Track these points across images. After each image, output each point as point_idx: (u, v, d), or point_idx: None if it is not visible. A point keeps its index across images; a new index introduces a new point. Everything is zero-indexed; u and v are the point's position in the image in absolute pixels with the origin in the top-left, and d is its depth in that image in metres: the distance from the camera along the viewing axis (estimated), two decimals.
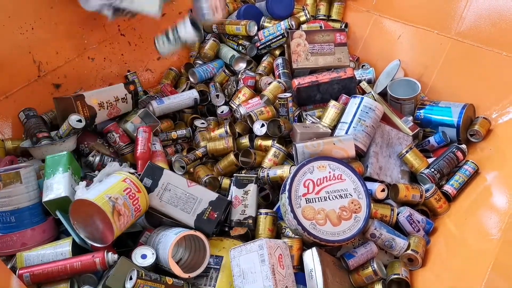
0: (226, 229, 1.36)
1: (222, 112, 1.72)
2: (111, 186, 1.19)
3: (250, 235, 1.36)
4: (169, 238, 1.20)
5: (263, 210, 1.35)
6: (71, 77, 1.75)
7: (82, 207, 1.14)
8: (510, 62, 1.47)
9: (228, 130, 1.60)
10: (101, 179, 1.29)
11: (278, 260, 1.15)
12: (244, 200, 1.36)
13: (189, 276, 1.18)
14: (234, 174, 1.43)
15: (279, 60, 1.78)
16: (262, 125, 1.56)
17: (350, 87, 1.63)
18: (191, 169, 1.58)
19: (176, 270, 1.17)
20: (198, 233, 1.23)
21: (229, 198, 1.38)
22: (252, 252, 1.15)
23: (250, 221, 1.33)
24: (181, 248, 1.30)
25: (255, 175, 1.40)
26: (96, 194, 1.14)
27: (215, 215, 1.28)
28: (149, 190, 1.28)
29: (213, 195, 1.32)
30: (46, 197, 1.27)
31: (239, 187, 1.38)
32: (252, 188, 1.37)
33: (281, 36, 1.83)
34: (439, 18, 1.72)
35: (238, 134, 1.64)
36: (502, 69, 1.51)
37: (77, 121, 1.48)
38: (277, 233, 1.36)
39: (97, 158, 1.48)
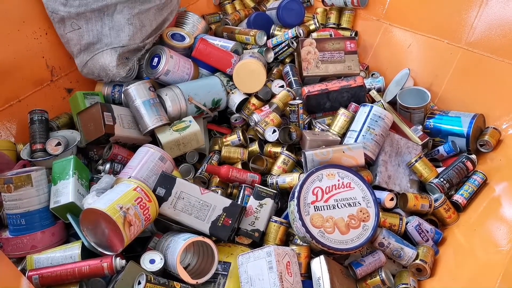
0: (232, 237, 1.36)
1: (236, 120, 1.72)
2: (123, 195, 1.18)
3: (256, 241, 1.35)
4: (177, 244, 1.21)
5: (278, 219, 1.34)
6: (83, 81, 1.77)
7: (92, 215, 1.14)
8: None
9: (241, 137, 1.60)
10: (103, 187, 1.31)
11: (286, 267, 1.15)
12: (257, 212, 1.36)
13: (196, 282, 1.19)
14: (256, 184, 1.42)
15: (287, 68, 1.79)
16: (274, 131, 1.57)
17: (360, 96, 1.63)
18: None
19: (184, 276, 1.17)
20: (207, 239, 1.24)
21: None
22: (260, 259, 1.16)
23: (257, 234, 1.33)
24: (189, 253, 1.31)
25: (275, 192, 1.39)
26: (107, 203, 1.14)
27: (230, 221, 1.28)
28: (163, 199, 1.29)
29: (227, 202, 1.32)
30: (53, 204, 1.29)
31: (256, 198, 1.38)
32: (268, 203, 1.37)
33: (287, 47, 1.84)
34: (449, 27, 1.72)
35: (250, 140, 1.65)
36: None
37: (55, 145, 1.48)
38: (285, 240, 1.36)
39: (107, 166, 1.49)
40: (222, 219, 1.29)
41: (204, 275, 1.21)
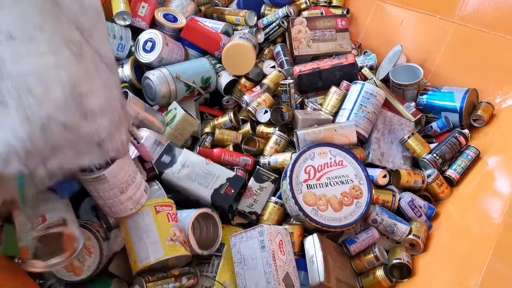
0: (230, 221, 1.36)
1: (227, 102, 1.71)
2: (159, 228, 1.12)
3: (253, 223, 1.35)
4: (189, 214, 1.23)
5: (277, 200, 1.34)
6: None
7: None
8: None
9: (233, 119, 1.59)
10: None
11: (278, 246, 1.15)
12: (256, 195, 1.36)
13: (202, 253, 1.20)
14: (257, 167, 1.43)
15: (278, 48, 1.77)
16: (266, 112, 1.56)
17: (352, 74, 1.62)
18: None
19: (194, 244, 1.18)
20: (211, 211, 1.26)
21: None
22: (252, 238, 1.16)
23: (254, 217, 1.33)
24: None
25: (277, 176, 1.39)
26: (159, 248, 1.10)
27: (232, 191, 1.30)
28: (168, 166, 1.31)
29: (231, 173, 1.34)
30: None
31: (257, 180, 1.38)
32: (268, 186, 1.37)
33: (277, 27, 1.81)
34: (441, 2, 1.70)
35: (242, 121, 1.64)
36: (506, 53, 1.49)
37: None
38: (281, 222, 1.36)
39: None
40: (225, 188, 1.30)
41: (209, 248, 1.23)
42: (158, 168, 1.32)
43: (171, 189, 1.34)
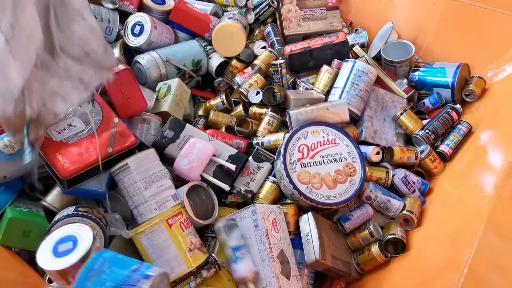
0: (223, 199, 1.36)
1: (219, 84, 1.70)
2: (176, 242, 1.11)
3: (248, 202, 1.34)
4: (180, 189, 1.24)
5: (275, 179, 1.33)
6: None
7: None
8: (505, 19, 1.44)
9: (225, 101, 1.58)
10: None
11: (272, 224, 1.16)
12: (254, 174, 1.35)
13: (197, 221, 1.20)
14: (257, 146, 1.42)
15: (269, 28, 1.75)
16: (258, 93, 1.55)
17: (343, 52, 1.60)
18: None
19: (191, 212, 1.20)
20: (202, 183, 1.27)
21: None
22: (245, 218, 1.16)
23: (249, 195, 1.32)
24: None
25: (275, 157, 1.38)
26: (180, 261, 1.10)
27: (234, 169, 1.30)
28: (171, 140, 1.31)
29: (233, 150, 1.35)
30: None
31: (255, 160, 1.37)
32: (266, 166, 1.36)
33: (267, 7, 1.79)
34: None
35: (234, 103, 1.63)
36: (497, 27, 1.48)
37: None
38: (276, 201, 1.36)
39: None
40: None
41: (207, 218, 1.24)
42: (161, 142, 1.32)
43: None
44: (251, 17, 1.82)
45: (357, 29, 1.89)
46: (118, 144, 1.17)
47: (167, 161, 1.30)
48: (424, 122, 1.46)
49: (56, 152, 1.11)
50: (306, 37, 1.74)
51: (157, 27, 1.58)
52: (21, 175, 1.20)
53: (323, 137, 1.31)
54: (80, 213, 1.10)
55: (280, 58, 1.67)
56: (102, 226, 1.11)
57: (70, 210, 1.12)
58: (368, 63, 1.57)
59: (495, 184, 1.11)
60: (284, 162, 1.24)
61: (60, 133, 1.14)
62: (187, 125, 1.35)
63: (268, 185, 1.33)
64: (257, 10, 1.82)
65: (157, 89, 1.50)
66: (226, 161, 1.31)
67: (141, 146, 1.31)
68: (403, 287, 1.17)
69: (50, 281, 1.09)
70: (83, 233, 0.95)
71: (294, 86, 1.62)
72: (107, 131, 1.18)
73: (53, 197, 1.21)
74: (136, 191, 1.13)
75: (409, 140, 1.48)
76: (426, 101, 1.54)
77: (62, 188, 1.15)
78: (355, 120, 1.47)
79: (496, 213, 1.04)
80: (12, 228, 1.09)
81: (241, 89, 1.58)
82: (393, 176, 1.33)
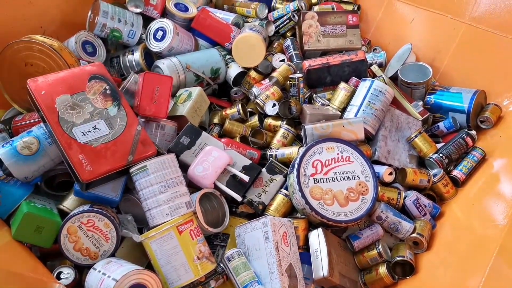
0: (234, 209, 1.36)
1: (236, 94, 1.71)
2: (184, 249, 1.13)
3: (258, 213, 1.35)
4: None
5: (287, 193, 1.33)
6: None
7: None
8: None
9: (241, 111, 1.59)
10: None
11: (282, 237, 1.16)
12: (266, 186, 1.36)
13: (207, 228, 1.21)
14: (271, 158, 1.43)
15: (288, 42, 1.77)
16: (274, 105, 1.56)
17: (361, 70, 1.62)
18: None
19: (202, 219, 1.20)
20: (215, 191, 1.28)
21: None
22: (256, 229, 1.17)
23: (261, 207, 1.33)
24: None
25: (288, 170, 1.38)
26: (187, 269, 1.11)
27: (247, 180, 1.30)
28: (187, 147, 1.33)
29: (247, 161, 1.36)
30: None
31: (268, 172, 1.38)
32: (279, 179, 1.37)
33: (288, 20, 1.81)
34: (453, 2, 1.69)
35: (250, 114, 1.64)
36: None
37: None
38: (287, 215, 1.36)
39: None
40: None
41: (217, 226, 1.25)
42: (177, 148, 1.33)
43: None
44: (271, 29, 1.84)
45: (376, 48, 1.90)
46: (139, 153, 1.19)
47: (181, 167, 1.30)
48: (438, 145, 1.47)
49: (79, 153, 1.12)
50: (324, 53, 1.76)
51: (179, 33, 1.60)
52: (40, 174, 1.21)
53: (338, 154, 1.31)
54: (95, 209, 1.12)
55: (298, 72, 1.68)
56: (115, 224, 1.13)
57: (86, 206, 1.15)
58: (386, 83, 1.58)
59: (508, 214, 1.11)
60: (298, 176, 1.25)
61: (84, 134, 1.15)
62: (203, 133, 1.37)
63: (280, 197, 1.33)
64: (278, 23, 1.84)
65: (177, 95, 1.52)
66: (240, 171, 1.32)
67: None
68: None
69: (58, 277, 1.10)
70: None
71: (310, 101, 1.64)
72: (129, 138, 1.20)
73: (69, 202, 1.24)
74: (151, 194, 1.14)
75: (422, 162, 1.48)
76: (441, 124, 1.54)
77: (80, 188, 1.17)
78: (369, 139, 1.47)
79: (508, 243, 1.04)
80: (27, 223, 1.11)
81: (257, 100, 1.59)
82: (404, 198, 1.33)
